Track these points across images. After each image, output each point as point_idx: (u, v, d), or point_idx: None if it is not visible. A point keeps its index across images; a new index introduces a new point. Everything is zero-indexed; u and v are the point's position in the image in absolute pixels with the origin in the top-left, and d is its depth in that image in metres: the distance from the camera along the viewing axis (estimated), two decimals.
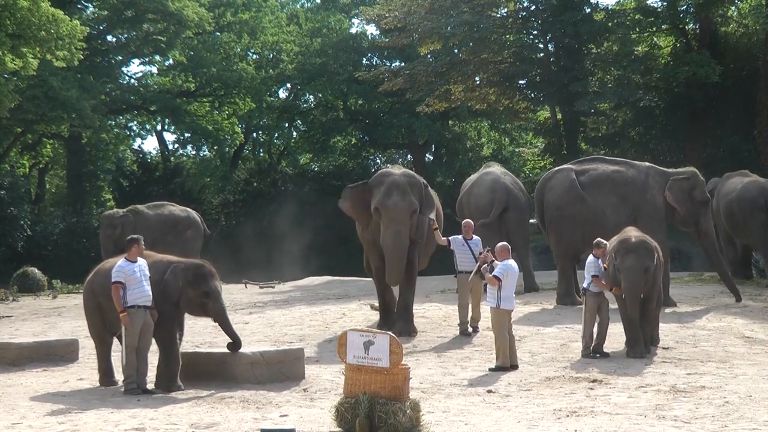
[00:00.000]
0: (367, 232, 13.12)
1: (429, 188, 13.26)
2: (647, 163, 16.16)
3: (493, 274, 10.69)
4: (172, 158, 42.47)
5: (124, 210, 21.08)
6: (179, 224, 20.61)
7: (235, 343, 9.87)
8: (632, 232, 11.48)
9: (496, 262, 10.90)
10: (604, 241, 11.49)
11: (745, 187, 17.91)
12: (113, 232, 20.09)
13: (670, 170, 15.79)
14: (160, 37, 34.36)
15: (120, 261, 9.74)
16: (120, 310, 9.48)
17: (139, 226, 19.32)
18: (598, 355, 11.08)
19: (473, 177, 18.21)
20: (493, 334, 10.80)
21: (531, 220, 17.89)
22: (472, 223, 13.37)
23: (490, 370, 10.47)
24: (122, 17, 34.08)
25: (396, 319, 12.97)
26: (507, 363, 10.47)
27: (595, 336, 11.20)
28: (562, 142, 30.32)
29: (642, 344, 11.08)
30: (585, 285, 11.29)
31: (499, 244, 11.21)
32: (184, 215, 20.88)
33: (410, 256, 12.79)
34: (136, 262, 9.67)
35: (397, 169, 13.17)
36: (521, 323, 12.93)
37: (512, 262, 10.83)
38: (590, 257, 11.43)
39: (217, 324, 10.25)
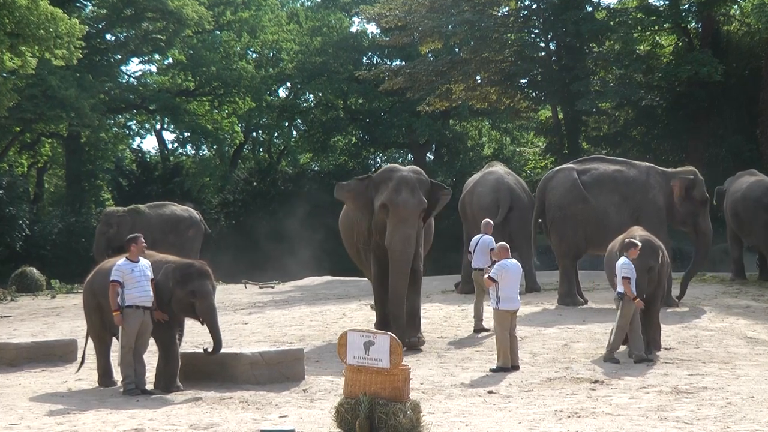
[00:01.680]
0: (362, 234, 12.35)
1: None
2: (647, 163, 16.21)
3: (487, 275, 10.62)
4: (171, 157, 42.43)
5: (125, 209, 21.07)
6: (181, 224, 20.60)
7: (215, 347, 9.58)
8: (637, 232, 11.38)
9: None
10: (636, 241, 11.05)
11: (750, 187, 17.90)
12: (108, 229, 20.13)
13: (670, 170, 15.83)
14: (159, 36, 34.31)
15: (120, 260, 9.71)
16: (113, 309, 9.43)
17: (139, 225, 19.29)
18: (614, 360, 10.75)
19: (476, 176, 18.15)
20: (495, 335, 10.75)
21: None
22: (492, 222, 13.56)
23: (491, 370, 10.43)
24: (121, 16, 34.04)
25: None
26: (508, 364, 10.42)
27: (613, 341, 10.91)
28: (564, 142, 30.28)
29: (643, 345, 11.00)
30: (620, 290, 10.84)
31: (498, 243, 11.15)
32: (185, 215, 20.87)
33: (415, 263, 12.07)
34: (137, 262, 9.63)
35: (402, 166, 12.64)
36: (522, 323, 12.85)
37: (510, 262, 10.72)
38: (622, 259, 10.89)
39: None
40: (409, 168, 12.41)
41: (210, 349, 9.63)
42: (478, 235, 13.30)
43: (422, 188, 12.06)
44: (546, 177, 16.24)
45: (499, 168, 18.15)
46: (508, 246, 11.12)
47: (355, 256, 13.25)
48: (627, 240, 11.12)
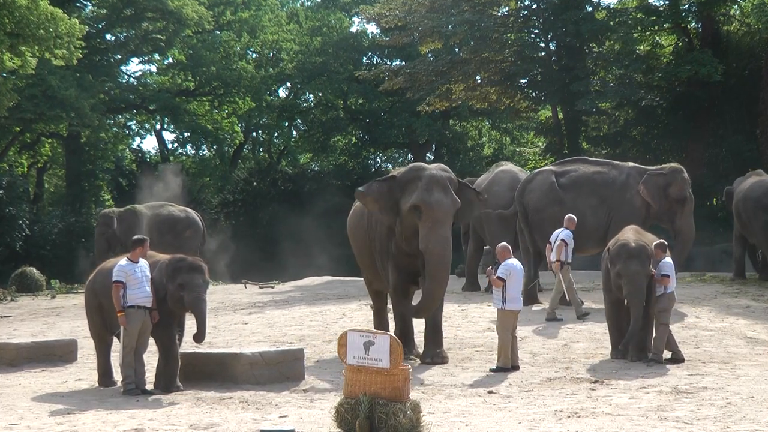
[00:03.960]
0: (385, 239, 11.40)
1: None
2: (630, 163, 16.19)
3: (496, 275, 10.61)
4: (171, 157, 42.41)
5: (122, 209, 21.08)
6: (178, 224, 20.60)
7: (199, 335, 9.63)
8: (627, 234, 11.27)
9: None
10: (665, 241, 11.17)
11: (752, 187, 17.87)
12: (107, 230, 20.16)
13: (652, 168, 15.73)
14: (159, 36, 34.30)
15: (122, 260, 9.72)
16: (118, 310, 9.44)
17: (136, 226, 19.27)
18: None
19: (488, 175, 18.07)
20: (497, 335, 10.74)
21: None
22: (575, 218, 14.06)
23: (491, 370, 10.43)
24: (121, 16, 34.03)
25: (424, 343, 11.31)
26: (508, 364, 10.43)
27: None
28: (564, 142, 30.29)
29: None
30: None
31: (500, 244, 11.14)
32: (183, 215, 20.85)
33: None
34: (137, 262, 9.65)
35: (427, 164, 11.65)
36: (521, 323, 12.81)
37: (514, 262, 10.76)
38: (668, 259, 10.95)
39: (207, 321, 9.93)
40: (437, 166, 11.47)
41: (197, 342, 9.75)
42: (559, 229, 13.83)
43: (452, 187, 11.15)
44: (525, 180, 16.24)
45: (512, 166, 18.29)
46: (509, 246, 11.11)
47: (366, 263, 12.16)
48: (659, 241, 11.07)
